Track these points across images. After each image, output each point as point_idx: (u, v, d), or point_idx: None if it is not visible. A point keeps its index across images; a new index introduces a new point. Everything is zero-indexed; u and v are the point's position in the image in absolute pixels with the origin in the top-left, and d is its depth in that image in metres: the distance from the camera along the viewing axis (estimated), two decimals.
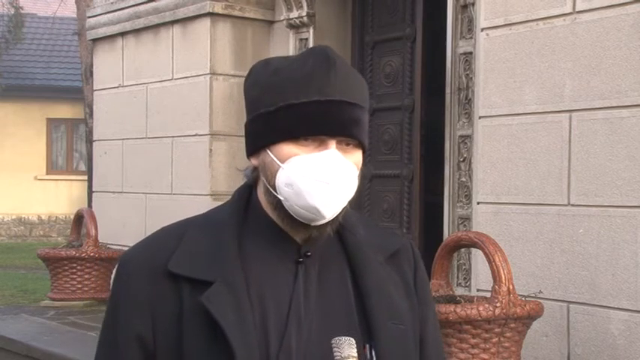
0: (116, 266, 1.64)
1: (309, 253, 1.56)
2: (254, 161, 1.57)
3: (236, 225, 1.56)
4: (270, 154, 1.52)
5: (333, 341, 1.48)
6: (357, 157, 1.55)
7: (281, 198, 1.51)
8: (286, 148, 1.50)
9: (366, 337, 1.52)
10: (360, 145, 1.55)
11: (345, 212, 1.56)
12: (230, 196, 1.66)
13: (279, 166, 1.51)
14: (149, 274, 1.54)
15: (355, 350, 1.47)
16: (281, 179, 1.51)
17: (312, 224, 1.52)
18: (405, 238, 1.72)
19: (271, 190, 1.53)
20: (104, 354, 1.59)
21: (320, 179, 1.48)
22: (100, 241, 7.59)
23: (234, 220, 1.56)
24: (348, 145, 1.53)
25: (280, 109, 1.51)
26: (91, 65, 9.48)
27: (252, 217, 1.58)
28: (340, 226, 1.59)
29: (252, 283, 1.52)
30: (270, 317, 1.51)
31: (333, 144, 1.50)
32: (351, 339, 1.48)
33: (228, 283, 1.50)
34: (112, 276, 1.65)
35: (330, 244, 1.58)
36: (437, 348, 1.69)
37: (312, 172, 1.49)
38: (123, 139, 8.13)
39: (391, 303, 1.57)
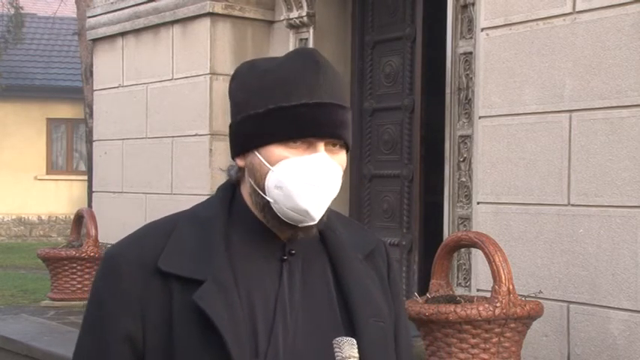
0: (101, 261, 1.61)
1: (293, 252, 1.58)
2: (240, 162, 1.58)
3: (223, 222, 1.57)
4: (259, 157, 1.53)
5: (334, 341, 1.49)
6: (342, 157, 1.57)
7: (270, 200, 1.53)
8: (276, 150, 1.52)
9: (350, 334, 1.53)
10: (344, 145, 1.57)
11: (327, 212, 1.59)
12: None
13: (269, 169, 1.52)
14: (138, 271, 1.53)
15: (356, 350, 1.48)
16: (271, 181, 1.52)
17: (299, 225, 1.54)
18: (376, 236, 1.75)
19: (259, 191, 1.54)
20: (91, 356, 1.56)
21: (310, 182, 1.51)
22: (100, 241, 7.59)
23: (220, 218, 1.57)
24: (334, 145, 1.55)
25: (270, 112, 1.52)
26: (91, 65, 9.48)
27: (236, 215, 1.59)
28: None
29: (240, 282, 1.53)
30: (258, 315, 1.52)
31: (321, 146, 1.53)
32: (352, 339, 1.49)
33: (218, 281, 1.50)
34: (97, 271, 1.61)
35: (311, 242, 1.60)
36: (407, 343, 1.73)
37: (303, 175, 1.50)
38: (123, 139, 8.13)
39: (372, 300, 1.60)
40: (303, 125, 1.51)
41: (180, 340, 1.49)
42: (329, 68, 1.55)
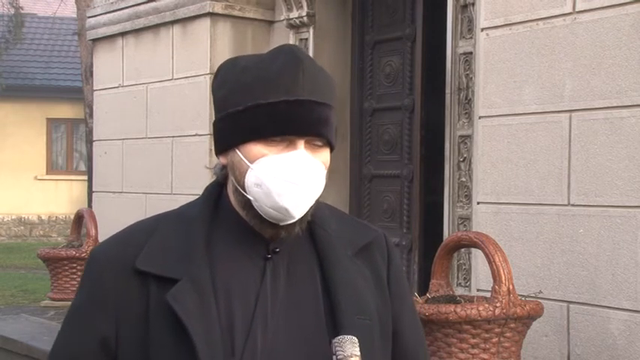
0: (86, 261, 1.62)
1: (277, 250, 1.57)
2: (223, 160, 1.58)
3: (205, 221, 1.56)
4: (239, 154, 1.53)
5: (335, 340, 1.48)
6: (325, 156, 1.56)
7: (250, 198, 1.52)
8: (255, 148, 1.51)
9: (333, 333, 1.52)
10: (328, 143, 1.56)
11: (315, 208, 1.57)
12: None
13: (248, 167, 1.52)
14: (118, 271, 1.53)
15: (358, 349, 1.47)
16: (250, 179, 1.51)
17: (281, 224, 1.53)
18: (379, 231, 1.71)
19: (240, 189, 1.54)
20: (64, 353, 1.58)
21: (289, 180, 1.49)
22: (100, 241, 7.58)
23: (204, 217, 1.57)
24: (316, 144, 1.53)
25: (248, 109, 1.51)
26: (91, 65, 9.48)
27: (221, 214, 1.58)
28: (311, 221, 1.60)
29: (219, 281, 1.52)
30: (236, 315, 1.51)
31: (301, 144, 1.51)
32: (354, 337, 1.48)
33: (194, 280, 1.50)
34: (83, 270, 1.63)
35: (300, 239, 1.59)
36: (414, 341, 1.69)
37: (281, 172, 1.49)
38: (123, 139, 8.13)
39: (358, 298, 1.58)
40: (282, 122, 1.50)
41: (154, 339, 1.49)
42: (311, 65, 1.54)
